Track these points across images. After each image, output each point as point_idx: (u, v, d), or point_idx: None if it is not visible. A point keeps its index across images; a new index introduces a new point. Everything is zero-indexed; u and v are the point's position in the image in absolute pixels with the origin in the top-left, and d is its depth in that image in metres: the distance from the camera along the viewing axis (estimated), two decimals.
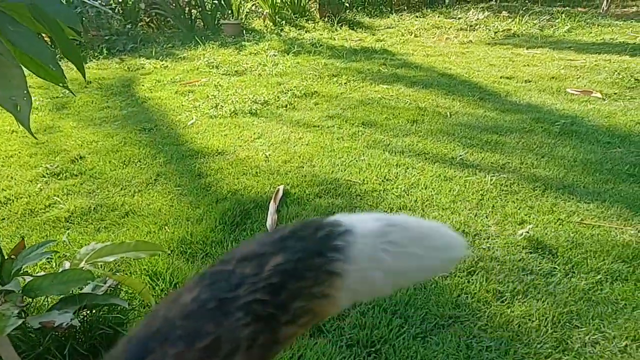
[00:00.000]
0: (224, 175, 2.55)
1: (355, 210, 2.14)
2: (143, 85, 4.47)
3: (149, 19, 7.31)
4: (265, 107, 3.70)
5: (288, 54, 5.38)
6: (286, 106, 3.71)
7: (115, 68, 5.18)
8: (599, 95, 3.52)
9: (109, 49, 5.80)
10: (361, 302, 1.52)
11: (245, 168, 2.64)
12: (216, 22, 7.30)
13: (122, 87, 4.45)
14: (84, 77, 1.03)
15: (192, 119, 3.50)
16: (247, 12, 7.88)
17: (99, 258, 1.12)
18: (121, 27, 6.06)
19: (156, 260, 1.64)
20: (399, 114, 3.38)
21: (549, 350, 1.32)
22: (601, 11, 7.00)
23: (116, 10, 6.38)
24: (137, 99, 4.05)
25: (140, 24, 7.17)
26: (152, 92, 4.27)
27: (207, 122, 3.44)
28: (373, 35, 6.53)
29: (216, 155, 2.84)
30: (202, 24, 7.45)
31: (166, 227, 1.99)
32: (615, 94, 3.53)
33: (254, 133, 3.18)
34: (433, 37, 6.16)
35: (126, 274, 1.58)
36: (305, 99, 3.87)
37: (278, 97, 3.90)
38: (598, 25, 5.99)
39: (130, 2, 6.68)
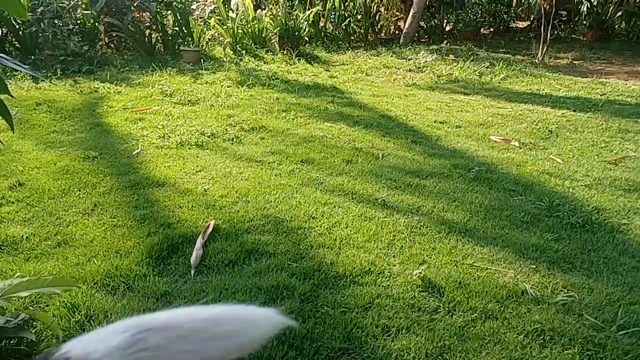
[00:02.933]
0: (160, 208, 2.69)
1: (278, 247, 2.34)
2: (94, 110, 4.56)
3: (108, 40, 7.37)
4: (212, 139, 3.88)
5: (243, 86, 5.60)
6: (232, 139, 3.90)
7: (68, 90, 5.23)
8: (517, 144, 3.92)
9: (63, 69, 5.83)
10: None
11: (182, 201, 2.79)
12: (176, 47, 7.45)
13: (72, 110, 4.51)
14: (12, 130, 1.19)
15: (138, 148, 3.62)
16: (208, 39, 8.09)
17: (14, 293, 1.26)
18: (78, 48, 6.11)
19: (75, 293, 1.77)
20: (337, 153, 3.64)
21: None
22: (537, 60, 7.66)
23: (74, 30, 6.44)
24: (86, 125, 4.13)
25: (99, 44, 7.23)
26: (102, 117, 4.36)
27: (153, 152, 3.58)
28: (327, 71, 6.87)
29: (156, 187, 2.98)
30: (162, 48, 7.58)
31: (94, 259, 2.12)
32: (531, 143, 3.94)
33: (197, 166, 3.34)
34: (382, 77, 6.56)
35: (46, 305, 1.70)
36: (252, 133, 4.08)
37: (226, 129, 4.09)
38: (530, 75, 6.56)
39: (90, 23, 6.75)
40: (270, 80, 5.89)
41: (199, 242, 2.26)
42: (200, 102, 4.97)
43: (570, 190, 2.99)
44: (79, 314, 1.69)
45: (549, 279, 2.08)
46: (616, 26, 9.56)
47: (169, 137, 3.87)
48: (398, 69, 7.06)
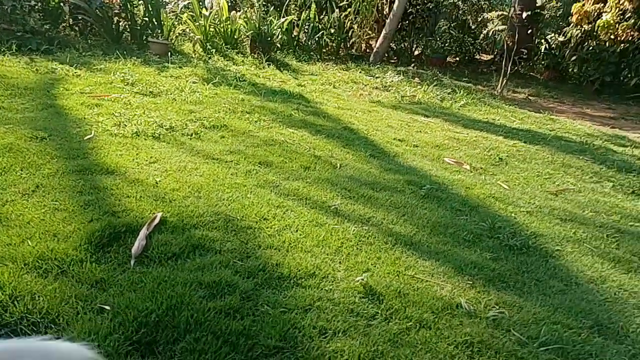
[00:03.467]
0: (107, 196, 2.61)
1: (225, 244, 2.32)
2: (49, 91, 4.37)
3: (73, 22, 7.12)
4: (170, 132, 3.81)
5: (209, 84, 5.55)
6: (192, 135, 3.84)
7: (22, 67, 4.99)
8: (468, 167, 4.08)
9: (19, 46, 5.57)
10: (198, 328, 1.68)
11: (130, 191, 2.72)
12: (144, 38, 7.30)
13: (24, 89, 4.31)
14: None
15: (91, 133, 3.50)
16: (178, 34, 7.97)
17: None
18: (38, 26, 5.86)
19: (1, 272, 1.69)
20: (296, 158, 3.66)
21: None
22: (496, 92, 8.04)
23: (36, 7, 6.18)
24: (38, 104, 3.96)
25: (62, 24, 6.97)
26: (56, 99, 4.19)
27: (106, 139, 3.47)
28: (296, 79, 6.92)
29: (105, 174, 2.89)
30: (129, 37, 7.40)
31: (29, 241, 2.02)
32: (481, 168, 4.12)
33: (151, 157, 3.27)
34: (349, 91, 6.68)
35: None
36: (213, 131, 4.04)
37: (186, 124, 4.03)
38: (488, 105, 6.88)
39: (54, 2, 6.50)
40: (237, 82, 5.86)
41: (143, 232, 2.21)
42: (163, 94, 4.88)
43: (513, 215, 3.15)
44: (2, 293, 1.61)
45: (483, 295, 2.17)
46: (570, 69, 10.21)
47: (125, 125, 3.77)
48: (365, 85, 7.21)
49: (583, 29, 9.47)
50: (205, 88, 5.35)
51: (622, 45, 8.90)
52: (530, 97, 8.31)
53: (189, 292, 1.86)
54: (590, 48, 9.35)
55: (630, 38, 8.93)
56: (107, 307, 1.71)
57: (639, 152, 5.06)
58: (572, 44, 9.77)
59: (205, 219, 2.52)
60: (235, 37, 8.17)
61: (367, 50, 10.37)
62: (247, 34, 8.22)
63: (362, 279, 2.12)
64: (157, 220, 2.37)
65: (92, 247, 2.07)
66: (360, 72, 8.07)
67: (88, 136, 3.44)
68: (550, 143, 5.14)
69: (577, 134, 5.77)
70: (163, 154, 3.35)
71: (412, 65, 9.49)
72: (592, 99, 8.75)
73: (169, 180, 2.95)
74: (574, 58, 9.79)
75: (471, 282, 2.27)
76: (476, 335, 1.86)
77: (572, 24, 9.62)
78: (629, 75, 8.98)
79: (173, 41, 7.62)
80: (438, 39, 10.77)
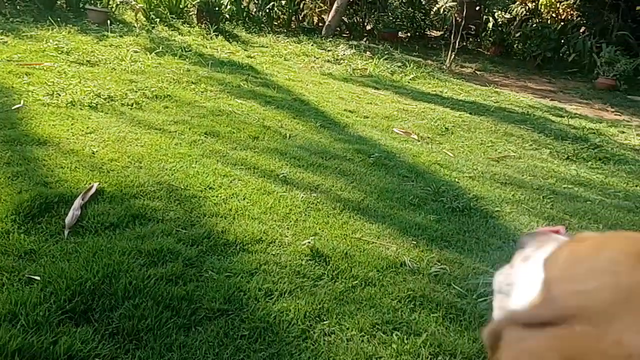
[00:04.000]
0: (38, 167, 2.45)
1: (168, 214, 2.24)
2: None
3: None
4: (108, 102, 3.61)
5: (151, 53, 5.28)
6: (132, 105, 3.66)
7: None
8: (416, 137, 4.16)
9: None
10: (137, 294, 1.63)
11: (64, 162, 2.56)
12: (81, 5, 6.82)
13: None
14: None
15: (20, 103, 3.26)
16: (119, 2, 7.51)
17: None
18: None
19: None
20: (244, 128, 3.58)
21: (292, 338, 1.58)
22: (445, 67, 8.20)
23: None
24: None
25: None
26: None
27: (38, 109, 3.24)
28: (246, 50, 6.73)
29: (36, 145, 2.70)
30: (64, 4, 6.89)
31: None
32: (428, 137, 4.21)
33: (88, 127, 3.09)
34: (300, 64, 6.59)
35: None
36: (155, 101, 3.87)
37: (126, 94, 3.83)
38: (437, 79, 7.01)
39: None
40: (183, 52, 5.62)
41: (77, 202, 2.09)
42: (101, 64, 4.60)
43: (456, 180, 3.25)
44: None
45: (426, 254, 2.23)
46: (515, 45, 10.56)
47: (59, 95, 3.53)
48: (317, 58, 7.14)
49: (527, 7, 9.79)
50: (147, 58, 5.10)
51: (562, 23, 9.30)
52: (477, 72, 8.55)
53: (128, 260, 1.79)
54: (534, 25, 9.69)
55: (570, 17, 9.34)
56: (37, 278, 1.61)
57: (574, 122, 5.35)
58: (517, 21, 10.09)
59: (147, 189, 2.43)
60: (181, 6, 7.81)
61: (319, 24, 10.24)
62: (193, 4, 7.87)
63: (310, 242, 2.13)
64: (93, 190, 2.25)
65: (21, 218, 1.93)
66: (312, 45, 7.96)
67: (17, 105, 3.20)
68: (494, 114, 5.32)
69: (519, 105, 6.00)
70: (101, 124, 3.18)
71: (364, 39, 9.48)
72: (534, 73, 9.12)
73: (107, 150, 2.81)
74: (518, 35, 10.13)
75: (415, 242, 2.33)
76: (418, 290, 1.92)
77: (517, 2, 9.91)
78: (568, 52, 9.41)
79: (113, 9, 7.18)
80: (390, 14, 10.80)
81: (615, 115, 6.28)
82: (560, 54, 9.63)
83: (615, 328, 0.30)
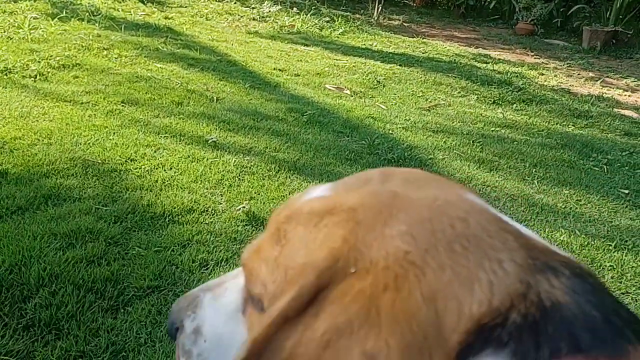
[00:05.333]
0: None
1: (85, 191, 2.05)
2: None
3: None
4: (6, 75, 3.21)
5: (54, 19, 4.74)
6: (35, 77, 3.28)
7: None
8: (348, 92, 4.10)
9: None
10: (54, 280, 1.47)
11: None
12: None
13: None
14: None
15: None
16: None
17: None
18: None
19: None
20: (166, 94, 3.34)
21: None
22: (372, 20, 8.12)
23: None
24: None
25: None
26: None
27: None
28: (162, 12, 6.25)
29: None
30: None
31: None
32: (361, 92, 4.17)
33: None
34: (224, 23, 6.23)
35: None
36: (63, 71, 3.49)
37: (27, 65, 3.42)
38: (366, 32, 6.93)
39: None
40: (91, 16, 5.10)
41: None
42: None
43: (390, 131, 3.25)
44: None
45: None
46: None
47: None
48: (241, 16, 6.78)
49: None
50: (50, 24, 4.57)
51: None
52: (405, 24, 8.56)
53: (40, 245, 1.61)
54: None
55: None
56: None
57: (498, 67, 5.53)
58: None
59: (59, 167, 2.20)
60: None
61: None
62: None
63: (244, 207, 2.04)
64: None
65: None
66: (235, 3, 7.54)
67: None
68: (423, 64, 5.37)
69: (447, 54, 6.10)
70: None
71: None
72: (459, 22, 9.29)
73: (9, 128, 2.50)
74: None
75: None
76: None
77: None
78: None
79: None
80: None
81: (535, 58, 6.58)
82: (482, 2, 9.86)
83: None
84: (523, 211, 2.36)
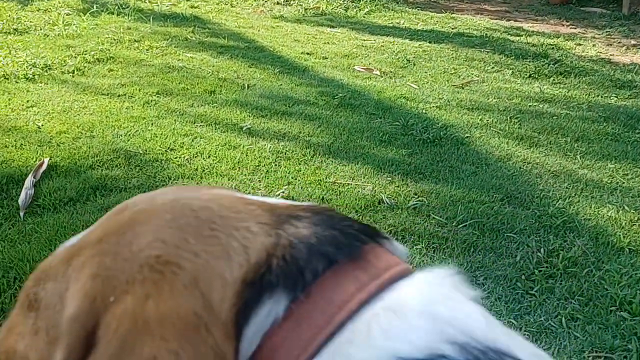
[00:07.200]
0: None
1: (130, 181, 2.12)
2: None
3: None
4: (46, 72, 3.31)
5: (86, 14, 4.85)
6: (73, 72, 3.38)
7: None
8: (378, 72, 4.05)
9: None
10: None
11: (8, 140, 2.36)
12: None
13: None
14: None
15: None
16: None
17: None
18: None
19: None
20: (198, 83, 3.38)
21: None
22: None
23: None
24: None
25: None
26: None
27: None
28: (188, 1, 6.28)
29: None
30: None
31: None
32: (390, 71, 4.10)
33: (28, 101, 2.84)
34: (249, 9, 6.22)
35: None
36: (98, 65, 3.58)
37: (65, 61, 3.53)
38: (392, 10, 6.78)
39: None
40: (120, 9, 5.19)
41: (29, 180, 1.93)
42: (31, 31, 4.19)
43: (424, 111, 3.20)
44: None
45: (402, 189, 2.21)
46: None
47: None
48: (265, 1, 6.74)
49: None
50: (82, 19, 4.67)
51: None
52: None
53: None
54: None
55: None
56: None
57: (532, 39, 5.33)
58: None
59: (103, 158, 2.27)
60: None
61: None
62: None
63: (284, 192, 2.06)
64: (44, 166, 2.09)
65: None
66: None
67: None
68: (453, 40, 5.23)
69: (478, 29, 5.91)
70: (42, 96, 2.92)
71: None
72: None
73: (54, 123, 2.60)
74: None
75: (390, 179, 2.30)
76: (399, 225, 1.91)
77: None
78: None
79: None
80: None
81: (571, 28, 6.30)
82: None
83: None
84: (567, 187, 2.29)
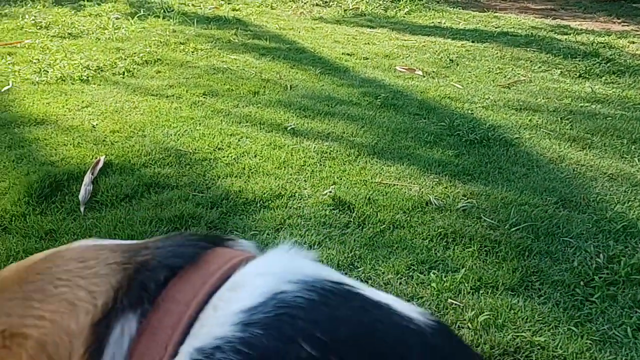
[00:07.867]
0: (40, 147, 2.36)
1: (181, 179, 2.18)
2: None
3: None
4: (99, 73, 3.46)
5: (133, 18, 5.03)
6: (124, 73, 3.51)
7: None
8: (420, 72, 4.00)
9: None
10: None
11: (66, 139, 2.47)
12: None
13: None
14: None
15: (9, 84, 3.12)
16: None
17: None
18: None
19: None
20: (242, 84, 3.44)
21: None
22: None
23: None
24: None
25: None
26: None
27: (28, 88, 3.10)
28: (229, 3, 6.41)
29: (34, 126, 2.60)
30: None
31: None
32: (433, 71, 4.04)
33: (83, 101, 2.97)
34: (288, 11, 6.29)
35: None
36: (147, 67, 3.70)
37: (115, 63, 3.67)
38: (433, 10, 6.69)
39: None
40: (165, 12, 5.35)
41: (88, 177, 2.02)
42: (84, 35, 4.39)
43: (469, 111, 3.14)
44: None
45: (450, 190, 2.17)
46: None
47: (47, 72, 3.37)
48: (304, 3, 6.79)
49: None
50: (130, 23, 4.85)
51: None
52: None
53: (150, 229, 1.74)
54: None
55: None
56: None
57: (581, 38, 5.13)
58: None
59: (155, 157, 2.35)
60: None
61: None
62: None
63: (331, 192, 2.06)
64: (101, 164, 2.17)
65: (34, 199, 1.87)
66: None
67: (5, 88, 3.06)
68: (497, 39, 5.10)
69: (522, 27, 5.75)
70: (95, 97, 3.05)
71: None
72: None
73: (107, 122, 2.70)
74: None
75: (438, 180, 2.27)
76: (449, 227, 1.87)
77: None
78: None
79: None
80: None
81: (623, 26, 6.02)
82: None
83: None
84: (625, 191, 2.19)
